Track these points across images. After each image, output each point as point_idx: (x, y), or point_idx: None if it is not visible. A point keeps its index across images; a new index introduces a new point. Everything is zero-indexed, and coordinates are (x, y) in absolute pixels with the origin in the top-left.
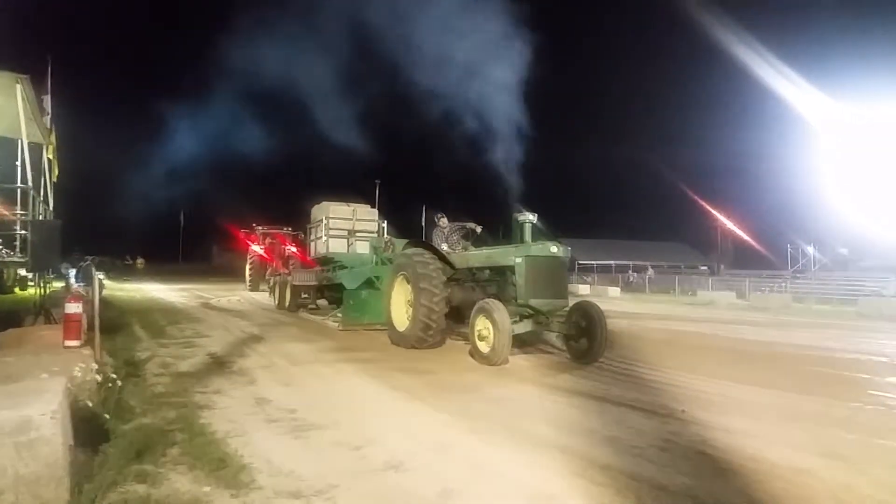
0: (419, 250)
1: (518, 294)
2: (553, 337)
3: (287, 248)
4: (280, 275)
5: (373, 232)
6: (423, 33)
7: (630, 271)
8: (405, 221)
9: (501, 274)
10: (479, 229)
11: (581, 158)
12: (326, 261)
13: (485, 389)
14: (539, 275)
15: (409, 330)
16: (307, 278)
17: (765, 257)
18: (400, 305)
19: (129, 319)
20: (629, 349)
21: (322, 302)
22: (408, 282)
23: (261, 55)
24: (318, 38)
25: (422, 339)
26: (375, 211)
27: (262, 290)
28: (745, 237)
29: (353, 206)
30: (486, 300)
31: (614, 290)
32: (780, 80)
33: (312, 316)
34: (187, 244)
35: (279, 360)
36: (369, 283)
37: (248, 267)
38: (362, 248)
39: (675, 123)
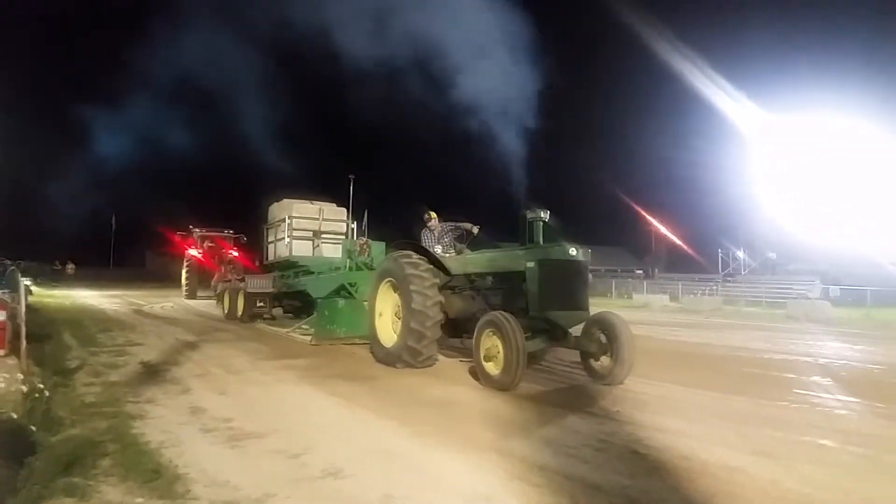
0: (407, 253)
1: (530, 305)
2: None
3: (228, 251)
4: (229, 281)
5: (341, 233)
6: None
7: None
8: (382, 222)
9: (507, 281)
10: (476, 230)
11: (523, 165)
12: (287, 265)
13: (426, 394)
14: (556, 282)
15: (399, 344)
16: (263, 285)
17: (697, 261)
18: (385, 318)
19: (59, 327)
20: (567, 351)
21: (277, 311)
22: (395, 289)
23: (192, 44)
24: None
25: (415, 351)
26: (344, 210)
27: (201, 298)
28: (678, 242)
29: (320, 204)
30: (494, 313)
31: None
32: (712, 89)
33: (270, 327)
34: (119, 249)
35: (215, 369)
36: (340, 292)
37: (184, 272)
38: (329, 251)
39: (610, 130)
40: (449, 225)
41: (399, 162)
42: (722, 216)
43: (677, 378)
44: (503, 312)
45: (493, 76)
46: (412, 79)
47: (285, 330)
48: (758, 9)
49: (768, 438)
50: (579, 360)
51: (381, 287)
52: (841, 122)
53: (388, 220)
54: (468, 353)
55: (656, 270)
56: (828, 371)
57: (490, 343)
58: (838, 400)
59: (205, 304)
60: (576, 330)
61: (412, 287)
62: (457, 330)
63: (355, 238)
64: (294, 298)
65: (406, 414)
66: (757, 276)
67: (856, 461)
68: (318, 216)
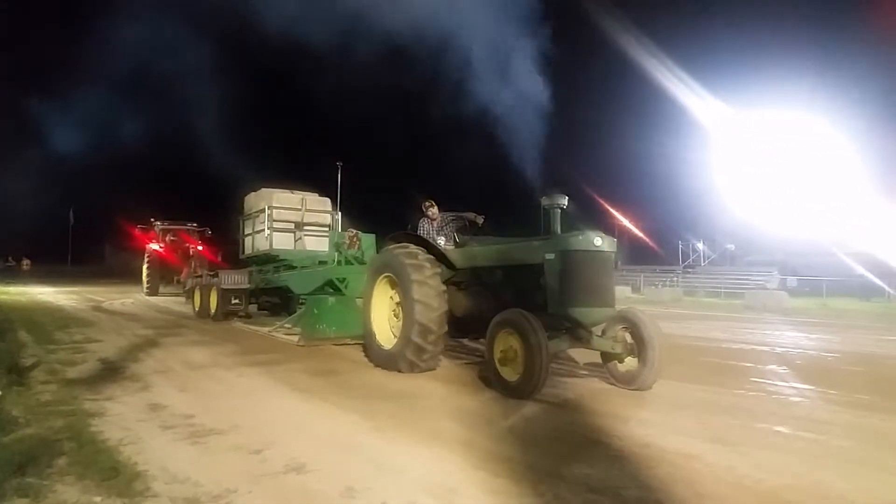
0: (406, 245)
1: (550, 301)
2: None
3: (192, 246)
4: (200, 277)
5: (325, 225)
6: None
7: None
8: (370, 212)
9: (521, 275)
10: (480, 220)
11: (489, 157)
12: (267, 259)
13: (390, 388)
14: (580, 275)
15: (401, 343)
16: (238, 281)
17: (658, 253)
18: (382, 317)
19: (13, 324)
20: None
21: (252, 308)
22: (393, 285)
23: (149, 29)
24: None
25: (420, 348)
26: (328, 200)
27: (164, 294)
28: (640, 234)
29: (302, 194)
30: (512, 311)
31: None
32: (674, 83)
33: (248, 326)
34: (78, 244)
35: (175, 365)
36: (328, 288)
37: (145, 268)
38: (312, 244)
39: (572, 122)
40: (450, 215)
41: (386, 150)
42: (683, 209)
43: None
44: (521, 310)
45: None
46: (401, 60)
47: (265, 329)
48: (720, 7)
49: (725, 426)
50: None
51: (377, 283)
52: (797, 117)
53: (376, 210)
54: (471, 354)
55: (619, 262)
56: (784, 360)
57: (506, 344)
58: (793, 388)
59: (167, 301)
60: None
61: (413, 278)
62: (461, 330)
63: (342, 230)
64: (272, 295)
65: (369, 408)
66: (716, 267)
67: (808, 447)
68: (300, 206)
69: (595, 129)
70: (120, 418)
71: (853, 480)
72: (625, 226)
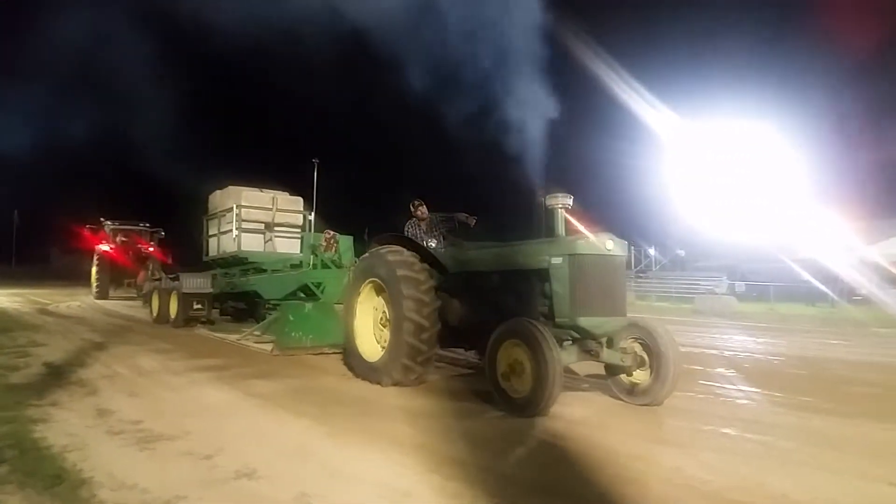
0: (395, 248)
1: (557, 309)
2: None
3: (144, 247)
4: (159, 280)
5: (297, 226)
6: None
7: None
8: (347, 212)
9: (522, 281)
10: (472, 221)
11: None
12: (234, 262)
13: (345, 393)
14: (590, 282)
15: (387, 359)
16: (201, 285)
17: None
18: (366, 326)
19: None
20: None
21: (215, 313)
22: (378, 291)
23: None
24: None
25: (408, 368)
26: (300, 199)
27: (114, 298)
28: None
29: (273, 192)
30: (518, 320)
31: None
32: (626, 90)
33: (214, 334)
34: (23, 246)
35: (124, 370)
36: (301, 293)
37: (94, 270)
38: (283, 246)
39: (529, 129)
40: (440, 215)
41: (366, 146)
42: (635, 215)
43: (588, 371)
44: (529, 320)
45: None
46: (380, 50)
47: (233, 337)
48: (670, 20)
49: (673, 428)
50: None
51: (361, 289)
52: (746, 126)
53: (354, 210)
54: (464, 365)
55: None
56: (732, 363)
57: (512, 357)
58: (741, 390)
59: (117, 304)
60: None
61: (404, 290)
62: (452, 340)
63: (316, 231)
64: (238, 300)
65: (323, 413)
66: (667, 272)
67: (754, 448)
68: (271, 206)
69: (551, 135)
70: (65, 424)
71: (796, 480)
72: (580, 231)
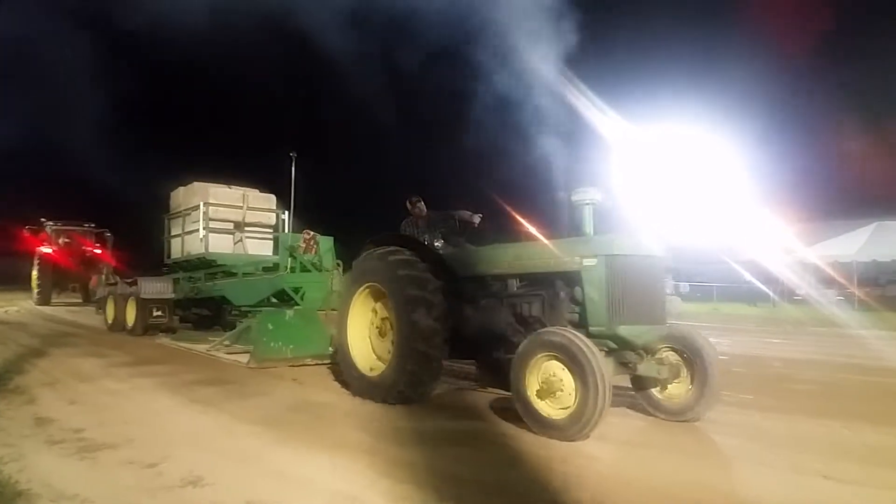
0: (397, 248)
1: (591, 317)
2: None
3: (89, 249)
4: (115, 284)
5: (270, 226)
6: None
7: None
8: (328, 210)
9: (548, 285)
10: (477, 220)
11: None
12: (199, 264)
13: (293, 398)
14: (629, 286)
15: (391, 373)
16: (161, 289)
17: None
18: (362, 336)
19: None
20: None
21: (177, 320)
22: (376, 297)
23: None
24: None
25: (416, 378)
26: (273, 197)
27: (57, 304)
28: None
29: (243, 189)
30: (555, 330)
31: None
32: (571, 91)
33: (179, 344)
34: None
35: (64, 377)
36: (274, 298)
37: (35, 274)
38: (254, 247)
39: (481, 135)
40: (440, 214)
41: (350, 138)
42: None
43: None
44: (570, 330)
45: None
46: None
47: (201, 347)
48: (619, 28)
49: (616, 426)
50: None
51: (356, 295)
52: (687, 130)
53: (336, 208)
54: (465, 378)
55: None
56: None
57: (548, 373)
58: None
59: (58, 310)
60: None
61: (410, 292)
62: (462, 350)
63: (290, 231)
64: (202, 306)
65: (271, 418)
66: None
67: (696, 445)
68: (241, 204)
69: (501, 140)
70: (2, 434)
71: (735, 475)
72: (532, 234)
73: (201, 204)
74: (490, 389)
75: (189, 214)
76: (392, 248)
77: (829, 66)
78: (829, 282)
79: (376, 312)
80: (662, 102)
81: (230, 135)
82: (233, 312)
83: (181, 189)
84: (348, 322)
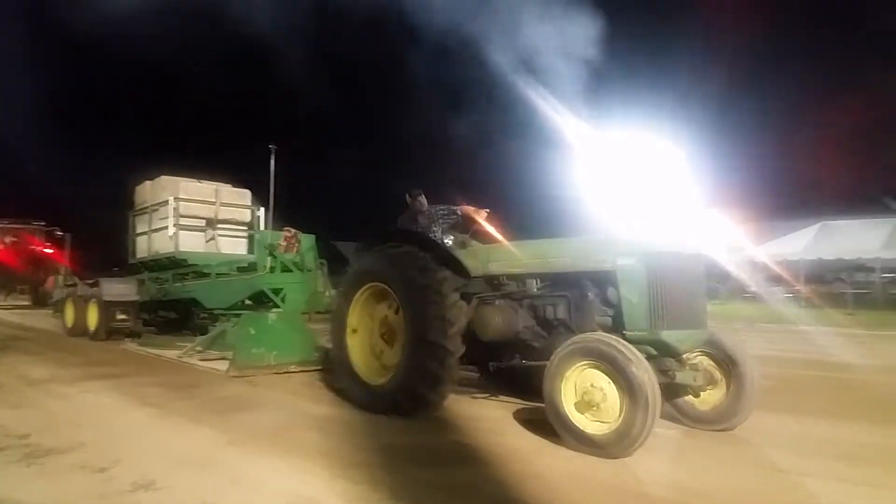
0: (405, 245)
1: (629, 321)
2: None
3: (38, 248)
4: (74, 286)
5: (244, 223)
6: None
7: None
8: (308, 206)
9: (570, 286)
10: (483, 215)
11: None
12: (168, 264)
13: (248, 401)
14: (670, 287)
15: (403, 381)
16: (126, 291)
17: None
18: (362, 342)
19: None
20: None
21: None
22: (379, 299)
23: None
24: None
25: (436, 378)
26: (248, 192)
27: (2, 306)
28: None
29: (215, 184)
30: (595, 336)
31: None
32: (537, 99)
33: (147, 350)
34: None
35: (9, 380)
36: (249, 300)
37: None
38: (228, 246)
39: (440, 137)
40: (441, 208)
41: (333, 129)
42: (541, 217)
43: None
44: (608, 335)
45: None
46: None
47: (173, 353)
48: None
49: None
50: None
51: (357, 295)
52: (637, 129)
53: (318, 203)
54: (475, 386)
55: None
56: None
57: (587, 383)
58: None
59: (2, 312)
60: None
61: (421, 286)
62: (474, 356)
63: (265, 228)
64: (170, 309)
65: (226, 421)
66: None
67: (651, 441)
68: (213, 199)
69: (459, 140)
70: None
71: (691, 469)
72: (489, 233)
73: (171, 199)
74: (501, 398)
75: (157, 210)
76: (398, 244)
77: (774, 68)
78: (777, 279)
79: (374, 317)
80: (610, 103)
81: (199, 126)
82: (202, 316)
83: (147, 184)
84: (346, 325)
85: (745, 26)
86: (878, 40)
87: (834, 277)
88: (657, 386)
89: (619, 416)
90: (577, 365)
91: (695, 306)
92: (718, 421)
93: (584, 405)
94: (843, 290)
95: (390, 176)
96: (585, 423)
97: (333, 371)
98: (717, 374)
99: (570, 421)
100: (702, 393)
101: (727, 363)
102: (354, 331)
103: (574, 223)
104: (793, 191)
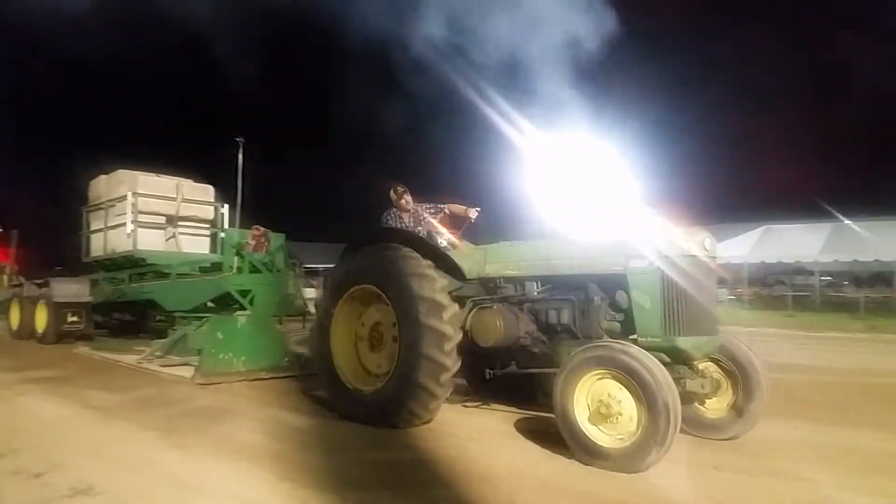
0: (396, 246)
1: (641, 327)
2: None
3: None
4: (20, 286)
5: (207, 220)
6: None
7: None
8: (277, 203)
9: (574, 289)
10: (474, 214)
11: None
12: (125, 263)
13: (193, 403)
14: (686, 292)
15: (392, 392)
16: (77, 292)
17: None
18: (347, 348)
19: None
20: None
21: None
22: (367, 303)
23: None
24: None
25: (428, 393)
26: (211, 188)
27: None
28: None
29: (176, 179)
30: (612, 343)
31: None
32: (485, 105)
33: (99, 354)
34: None
35: None
36: (207, 303)
37: None
38: (189, 244)
39: (391, 138)
40: (429, 207)
41: (303, 122)
42: (490, 218)
43: None
44: (627, 343)
45: None
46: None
47: (131, 359)
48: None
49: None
50: None
51: (342, 299)
52: (582, 137)
53: (287, 201)
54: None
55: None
56: None
57: (603, 393)
58: None
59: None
60: None
61: (418, 293)
62: (470, 363)
63: (231, 226)
64: (125, 311)
65: (170, 424)
66: None
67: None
68: (174, 195)
69: (413, 144)
70: None
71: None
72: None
73: (129, 194)
74: (494, 406)
75: (113, 206)
76: (389, 245)
77: (719, 74)
78: (721, 282)
79: (362, 321)
80: (553, 107)
81: (159, 119)
82: (158, 318)
83: (103, 178)
84: (332, 331)
85: (690, 30)
86: (825, 50)
87: (775, 280)
88: (678, 397)
89: (637, 429)
90: (591, 374)
91: (709, 311)
92: (721, 429)
93: (599, 417)
94: (783, 292)
95: (343, 176)
96: (600, 436)
97: (309, 377)
98: (724, 382)
99: (584, 434)
100: (707, 401)
101: (735, 370)
102: (337, 336)
103: (519, 226)
104: (737, 195)
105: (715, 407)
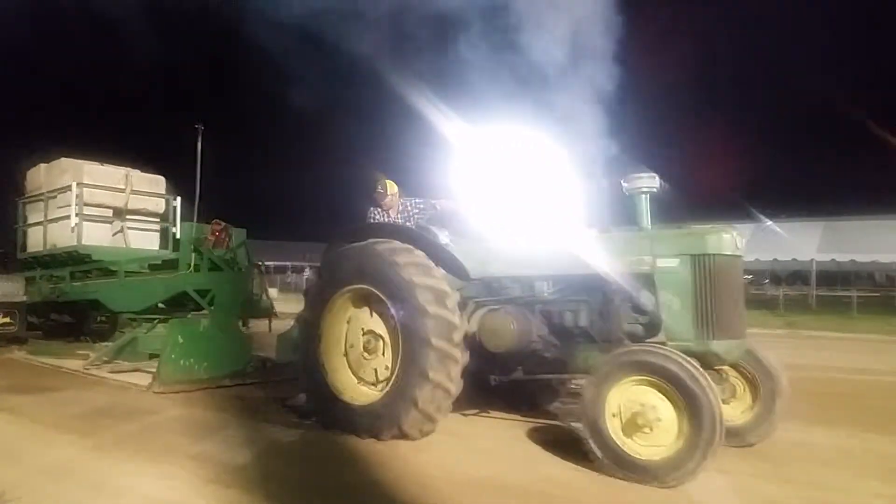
0: (391, 242)
1: (670, 330)
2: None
3: None
4: None
5: (157, 214)
6: None
7: (289, 271)
8: (239, 195)
9: (591, 290)
10: (468, 210)
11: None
12: (66, 260)
13: (117, 406)
14: (718, 292)
15: (382, 409)
16: (10, 291)
17: None
18: (337, 352)
19: None
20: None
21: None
22: (358, 304)
23: None
24: None
25: (426, 414)
26: (162, 179)
27: None
28: None
29: (125, 169)
30: (651, 348)
31: (273, 291)
32: (424, 103)
33: (37, 359)
34: None
35: None
36: (174, 305)
37: None
38: (138, 240)
39: (334, 134)
40: (416, 202)
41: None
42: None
43: None
44: (666, 347)
45: None
46: None
47: (74, 364)
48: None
49: (458, 420)
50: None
51: (334, 300)
52: (544, 138)
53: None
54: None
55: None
56: None
57: (638, 402)
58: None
59: None
60: None
61: (420, 300)
62: (473, 369)
63: (184, 220)
64: (64, 312)
65: (89, 427)
66: None
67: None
68: (123, 186)
69: (345, 140)
70: None
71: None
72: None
73: (73, 185)
74: (494, 414)
75: (54, 198)
76: (379, 240)
77: (682, 75)
78: None
79: (357, 324)
80: (500, 102)
81: (105, 103)
82: (99, 320)
83: (43, 167)
84: (321, 334)
85: (646, 32)
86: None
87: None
88: (721, 404)
89: (677, 439)
90: (624, 381)
91: (739, 312)
92: (742, 435)
93: (633, 427)
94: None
95: (346, 164)
96: (635, 447)
97: (277, 384)
98: (741, 387)
99: (618, 446)
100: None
101: (756, 376)
102: (326, 341)
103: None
104: (698, 196)
105: (729, 414)
